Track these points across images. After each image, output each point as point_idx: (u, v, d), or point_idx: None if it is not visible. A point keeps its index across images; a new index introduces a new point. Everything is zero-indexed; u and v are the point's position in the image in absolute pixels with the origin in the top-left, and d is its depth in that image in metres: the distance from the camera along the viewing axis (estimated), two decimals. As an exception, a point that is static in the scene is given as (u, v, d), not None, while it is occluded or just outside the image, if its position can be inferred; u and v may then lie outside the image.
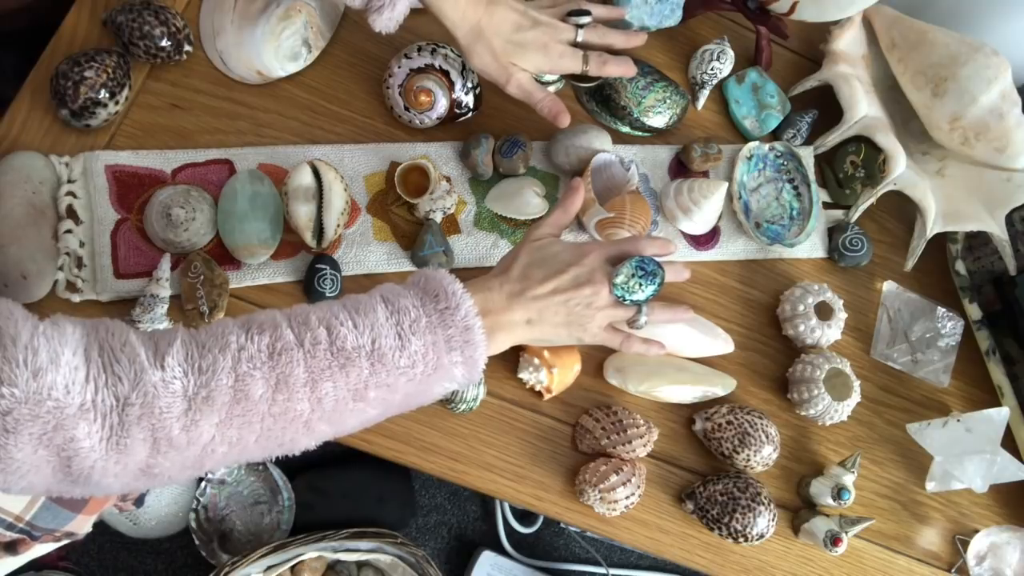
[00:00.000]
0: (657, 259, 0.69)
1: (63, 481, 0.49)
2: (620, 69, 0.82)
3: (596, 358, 0.85)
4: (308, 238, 0.76)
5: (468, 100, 0.84)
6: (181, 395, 0.50)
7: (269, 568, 1.12)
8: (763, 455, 0.82)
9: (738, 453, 0.82)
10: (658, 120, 0.92)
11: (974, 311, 0.98)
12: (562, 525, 1.39)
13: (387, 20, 0.73)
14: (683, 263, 0.74)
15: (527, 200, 0.84)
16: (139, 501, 1.14)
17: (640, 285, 0.67)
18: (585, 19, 0.80)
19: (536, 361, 0.79)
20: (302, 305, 0.58)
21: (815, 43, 1.03)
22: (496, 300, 0.64)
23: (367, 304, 0.57)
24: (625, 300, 0.67)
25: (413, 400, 0.60)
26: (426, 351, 0.57)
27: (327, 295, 0.77)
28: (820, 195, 0.97)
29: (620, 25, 0.87)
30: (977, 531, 0.92)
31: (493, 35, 0.76)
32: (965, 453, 0.88)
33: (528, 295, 0.65)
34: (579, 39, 0.80)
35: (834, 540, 0.81)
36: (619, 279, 0.67)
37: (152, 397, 0.48)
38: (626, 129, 0.93)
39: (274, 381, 0.52)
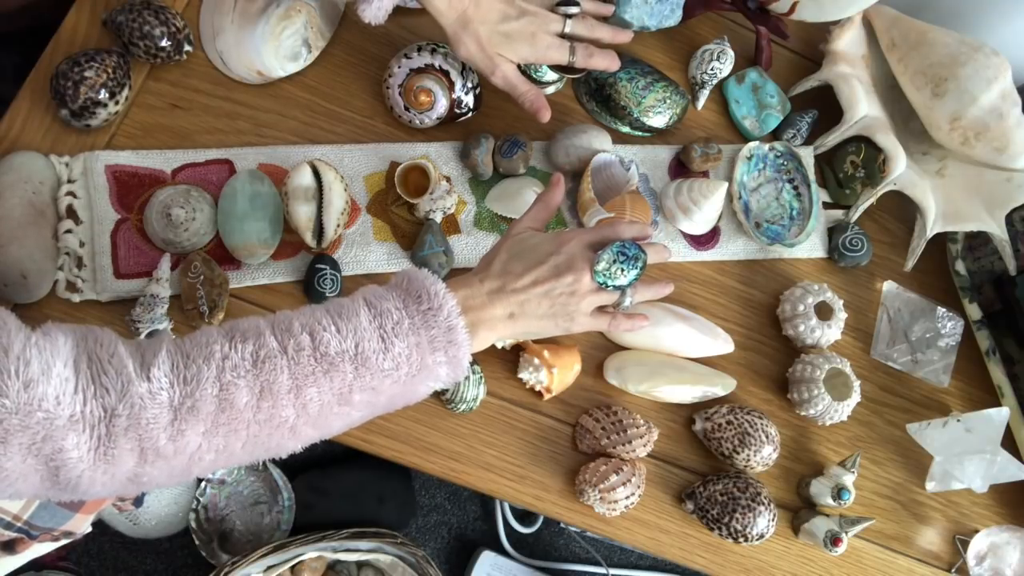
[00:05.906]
0: (639, 242, 0.67)
1: (51, 489, 0.49)
2: (605, 62, 0.82)
3: (596, 358, 0.85)
4: (308, 238, 0.76)
5: (468, 100, 0.84)
6: (167, 406, 0.50)
7: (269, 568, 1.13)
8: (763, 455, 0.82)
9: (738, 453, 0.82)
10: (658, 120, 0.92)
11: (974, 311, 0.98)
12: (562, 525, 1.39)
13: (376, 10, 0.73)
14: (663, 244, 0.74)
15: (527, 200, 0.84)
16: (139, 501, 1.14)
17: (622, 271, 0.66)
18: (574, 9, 0.80)
19: (536, 361, 0.79)
20: (285, 311, 0.58)
21: (815, 43, 1.03)
22: (477, 297, 0.64)
23: (350, 308, 0.57)
24: (607, 286, 0.66)
25: (399, 400, 0.60)
26: (410, 353, 0.57)
27: (327, 295, 0.77)
28: (820, 195, 0.97)
29: (608, 20, 0.87)
30: (977, 531, 0.92)
31: (480, 24, 0.76)
32: (965, 453, 0.88)
33: (508, 289, 0.64)
34: (567, 30, 0.80)
35: (834, 540, 0.81)
36: (600, 266, 0.65)
37: (139, 408, 0.49)
38: (626, 129, 0.93)
39: (258, 389, 0.52)
